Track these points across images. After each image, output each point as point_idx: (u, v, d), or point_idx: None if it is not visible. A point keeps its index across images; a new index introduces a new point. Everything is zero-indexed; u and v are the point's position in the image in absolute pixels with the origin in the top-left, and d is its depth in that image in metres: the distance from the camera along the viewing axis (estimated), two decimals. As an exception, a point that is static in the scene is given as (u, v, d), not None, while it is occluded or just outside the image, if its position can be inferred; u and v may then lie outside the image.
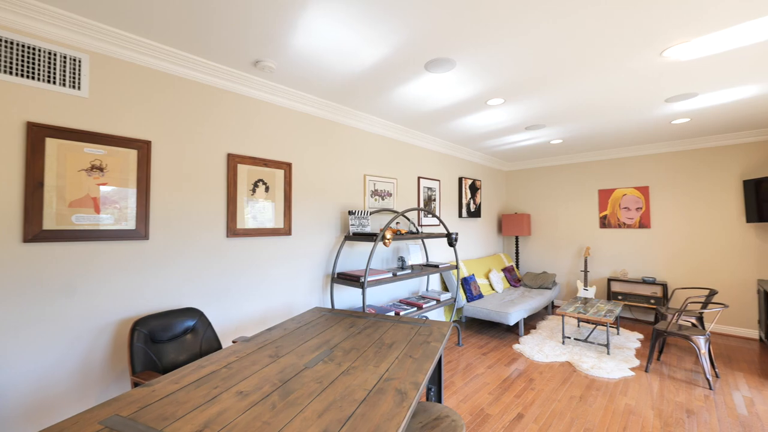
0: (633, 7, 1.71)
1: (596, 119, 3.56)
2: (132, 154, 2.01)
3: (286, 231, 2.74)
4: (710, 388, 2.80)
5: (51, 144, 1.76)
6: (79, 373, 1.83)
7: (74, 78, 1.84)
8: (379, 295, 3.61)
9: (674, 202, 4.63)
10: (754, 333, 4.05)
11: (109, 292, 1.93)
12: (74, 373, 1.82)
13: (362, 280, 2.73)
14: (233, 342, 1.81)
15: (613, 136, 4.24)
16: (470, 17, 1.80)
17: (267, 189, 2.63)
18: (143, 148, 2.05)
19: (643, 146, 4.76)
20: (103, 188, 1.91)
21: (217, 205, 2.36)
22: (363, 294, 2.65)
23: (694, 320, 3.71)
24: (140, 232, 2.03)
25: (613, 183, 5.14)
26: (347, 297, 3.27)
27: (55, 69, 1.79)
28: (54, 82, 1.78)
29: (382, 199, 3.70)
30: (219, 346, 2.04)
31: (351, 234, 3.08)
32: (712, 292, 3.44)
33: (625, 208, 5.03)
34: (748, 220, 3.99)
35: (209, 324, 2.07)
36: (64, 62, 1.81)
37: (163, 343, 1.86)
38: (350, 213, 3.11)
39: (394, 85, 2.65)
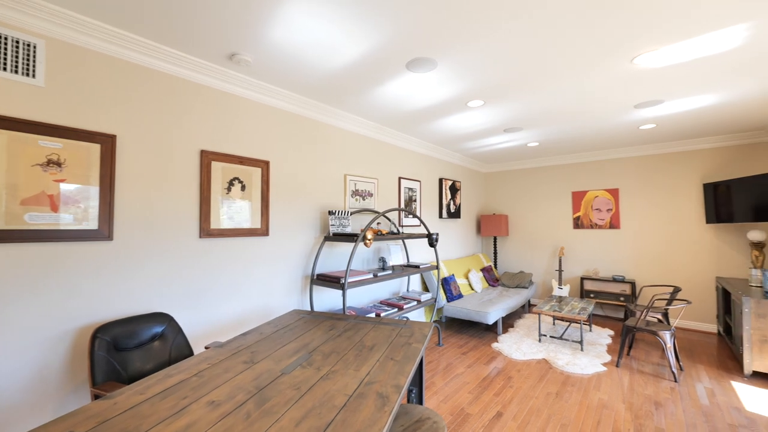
0: (607, 14, 1.77)
1: (571, 123, 3.68)
2: (94, 149, 1.88)
3: (264, 231, 2.65)
4: (675, 381, 2.94)
5: (0, 136, 1.61)
6: (33, 384, 1.68)
7: (28, 65, 1.69)
8: (360, 297, 3.57)
9: (641, 203, 4.86)
10: (713, 327, 4.30)
11: (69, 297, 1.79)
12: (28, 385, 1.67)
13: (342, 281, 2.68)
14: (206, 348, 1.72)
15: (586, 140, 4.40)
16: (452, 19, 1.80)
17: (243, 188, 2.53)
18: (107, 142, 1.91)
19: (614, 150, 4.97)
20: (62, 185, 1.77)
21: (189, 204, 2.25)
22: (343, 295, 2.60)
23: (660, 316, 3.90)
24: (103, 232, 1.89)
25: (585, 185, 5.33)
26: (327, 299, 3.21)
27: (5, 54, 1.64)
28: (4, 69, 1.63)
29: (363, 200, 3.66)
30: (190, 353, 1.94)
31: (331, 234, 3.02)
32: (676, 290, 3.62)
33: (596, 209, 5.23)
34: (708, 221, 4.24)
35: (180, 330, 1.96)
36: (17, 47, 1.67)
37: (128, 351, 1.74)
38: (330, 213, 3.05)
39: (375, 83, 2.62)
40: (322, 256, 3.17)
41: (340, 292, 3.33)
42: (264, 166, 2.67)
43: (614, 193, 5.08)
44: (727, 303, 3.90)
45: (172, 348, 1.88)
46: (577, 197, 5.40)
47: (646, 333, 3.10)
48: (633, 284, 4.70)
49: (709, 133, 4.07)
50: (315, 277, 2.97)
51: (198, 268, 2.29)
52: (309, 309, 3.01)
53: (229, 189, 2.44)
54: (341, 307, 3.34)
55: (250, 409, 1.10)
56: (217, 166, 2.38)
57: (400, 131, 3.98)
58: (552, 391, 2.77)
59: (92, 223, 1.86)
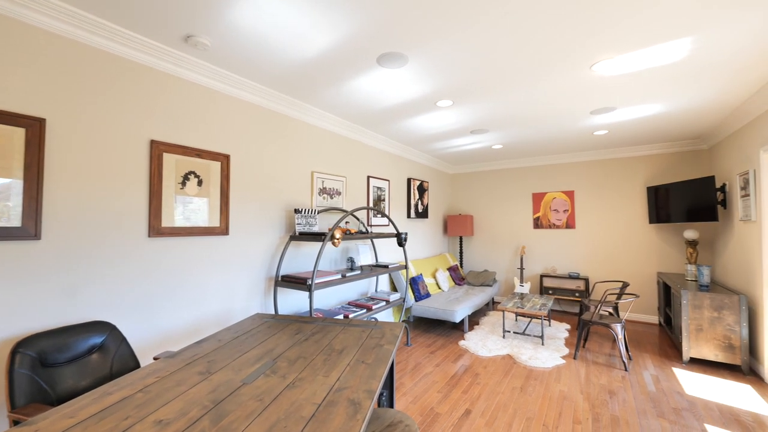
0: (570, 20, 1.83)
1: (533, 127, 3.83)
2: (17, 134, 1.62)
3: (223, 230, 2.46)
4: (626, 370, 3.15)
5: None
6: (-70, 413, 1.41)
7: (-71, 30, 1.42)
8: (327, 298, 3.46)
9: (594, 205, 5.20)
10: (655, 319, 4.70)
11: (-19, 307, 1.52)
12: (-77, 414, 1.39)
13: (309, 282, 2.57)
14: (154, 359, 1.54)
15: (546, 143, 4.62)
16: (423, 13, 1.77)
17: (200, 183, 2.33)
18: (34, 126, 1.66)
19: (570, 154, 5.27)
20: (-27, 175, 1.50)
21: (136, 199, 2.02)
22: (310, 297, 2.49)
23: (611, 310, 4.18)
24: (28, 230, 1.64)
25: (544, 187, 5.61)
26: (292, 301, 3.06)
27: None
28: None
29: (331, 198, 3.55)
30: (136, 365, 1.74)
31: (297, 234, 2.88)
32: (625, 285, 3.90)
33: (554, 210, 5.52)
34: (650, 221, 4.63)
35: (123, 339, 1.75)
36: None
37: (59, 366, 1.51)
38: (297, 211, 2.91)
39: (345, 77, 2.54)
40: (288, 257, 3.02)
41: (307, 293, 3.20)
42: (224, 160, 2.48)
43: (570, 194, 5.39)
44: (667, 296, 4.27)
45: (114, 361, 1.67)
46: (537, 198, 5.66)
47: (600, 326, 3.29)
48: (587, 280, 5.00)
49: (653, 140, 4.43)
50: (280, 279, 2.82)
51: (147, 270, 2.06)
52: (273, 312, 2.85)
53: (183, 184, 2.24)
54: (308, 309, 3.20)
55: (204, 426, 0.97)
56: (170, 159, 2.17)
57: (370, 129, 3.92)
58: (517, 385, 2.84)
59: (14, 220, 1.60)
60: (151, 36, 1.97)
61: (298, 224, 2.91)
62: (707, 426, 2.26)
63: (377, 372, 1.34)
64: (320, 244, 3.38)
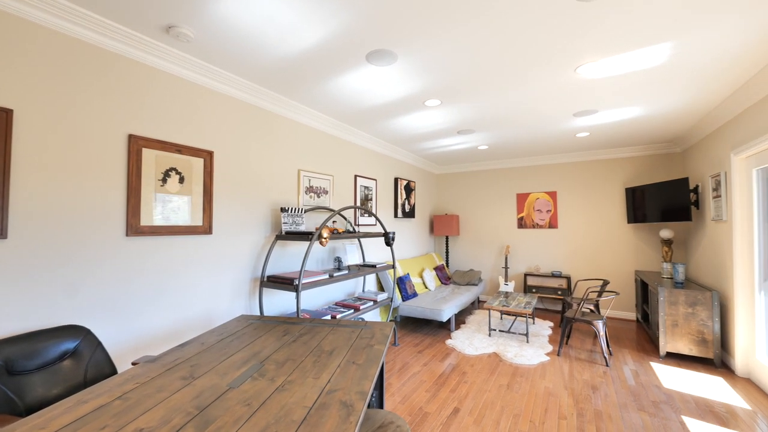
0: (557, 22, 1.86)
1: (518, 128, 3.89)
2: (-19, 125, 1.51)
3: (206, 229, 2.38)
4: (607, 365, 3.24)
5: None
6: None
7: None
8: (314, 299, 3.40)
9: (576, 205, 5.34)
10: (633, 315, 4.86)
11: (-62, 312, 1.41)
12: None
13: (296, 282, 2.51)
14: (133, 364, 1.46)
15: (530, 144, 4.70)
16: (414, 11, 1.76)
17: (182, 180, 2.24)
18: (0, 118, 1.55)
19: (553, 156, 5.39)
20: (-71, 168, 1.39)
21: (113, 196, 1.92)
22: (297, 298, 2.44)
23: (592, 307, 4.29)
24: (-7, 229, 1.53)
25: (528, 188, 5.72)
26: (278, 302, 2.99)
27: None
28: None
29: (318, 197, 3.50)
30: (113, 372, 1.65)
31: (283, 233, 2.82)
32: (605, 282, 4.02)
33: (538, 210, 5.63)
34: (629, 221, 4.79)
35: (99, 344, 1.65)
36: None
37: (27, 374, 1.41)
38: (283, 210, 2.85)
39: (333, 74, 2.50)
40: (273, 257, 2.95)
41: (293, 294, 3.13)
42: (207, 156, 2.40)
43: (553, 195, 5.51)
44: (644, 293, 4.43)
45: (88, 367, 1.58)
46: (521, 199, 5.77)
47: (582, 323, 3.38)
48: (569, 279, 5.13)
49: (631, 143, 4.59)
50: (265, 279, 2.75)
51: (124, 271, 1.97)
52: (258, 314, 2.78)
53: (164, 181, 2.15)
54: (294, 310, 3.14)
55: (189, 434, 0.93)
56: (149, 154, 2.08)
57: (358, 128, 3.89)
58: (503, 383, 2.87)
59: (-23, 218, 1.49)
60: (130, 25, 1.88)
61: (284, 223, 2.85)
62: (684, 418, 2.35)
63: (369, 372, 1.31)
64: (307, 243, 3.32)
